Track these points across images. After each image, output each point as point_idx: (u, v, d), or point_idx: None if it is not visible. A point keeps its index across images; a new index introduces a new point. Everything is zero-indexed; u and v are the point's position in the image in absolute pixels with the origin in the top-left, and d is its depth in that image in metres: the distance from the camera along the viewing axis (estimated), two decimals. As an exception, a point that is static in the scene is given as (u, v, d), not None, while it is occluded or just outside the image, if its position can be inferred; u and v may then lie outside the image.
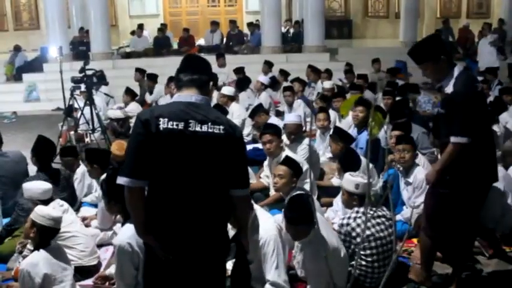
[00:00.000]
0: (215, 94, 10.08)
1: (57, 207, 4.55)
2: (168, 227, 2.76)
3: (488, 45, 13.16)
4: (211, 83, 2.96)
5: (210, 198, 2.78)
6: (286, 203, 4.26)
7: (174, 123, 2.69)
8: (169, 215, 2.75)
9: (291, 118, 6.52)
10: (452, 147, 3.79)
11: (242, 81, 10.68)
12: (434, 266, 4.58)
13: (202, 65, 2.96)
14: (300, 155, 5.86)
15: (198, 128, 2.70)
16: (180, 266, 2.79)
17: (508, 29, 16.89)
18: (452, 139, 3.77)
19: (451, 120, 3.82)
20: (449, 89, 3.86)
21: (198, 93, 2.83)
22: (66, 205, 4.80)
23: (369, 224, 4.08)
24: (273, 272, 3.85)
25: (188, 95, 2.82)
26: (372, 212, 4.16)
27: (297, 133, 6.31)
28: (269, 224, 4.02)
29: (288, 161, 4.95)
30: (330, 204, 5.39)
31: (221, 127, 2.73)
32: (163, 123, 2.68)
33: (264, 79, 10.47)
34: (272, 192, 5.53)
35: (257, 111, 7.85)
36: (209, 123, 2.72)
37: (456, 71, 3.90)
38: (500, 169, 5.18)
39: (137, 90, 11.04)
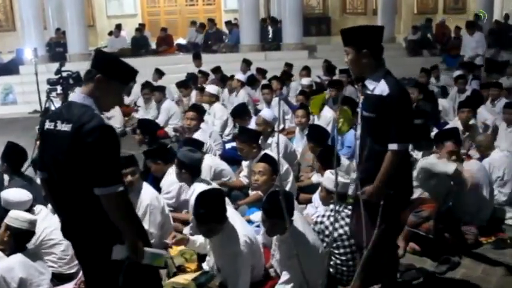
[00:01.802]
0: (193, 94, 10.08)
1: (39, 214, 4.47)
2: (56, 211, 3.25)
3: (473, 41, 13.13)
4: (98, 76, 2.86)
5: (72, 195, 2.91)
6: (265, 197, 4.25)
7: (51, 123, 2.90)
8: (55, 206, 3.22)
9: (262, 113, 6.57)
10: (392, 156, 3.43)
11: (222, 80, 10.74)
12: (412, 259, 4.64)
13: (96, 59, 2.98)
14: (273, 153, 5.85)
15: (60, 127, 2.83)
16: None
17: (483, 24, 17.05)
18: (392, 147, 3.41)
19: (384, 125, 3.44)
20: (382, 91, 3.44)
21: (83, 90, 2.93)
22: (45, 210, 4.64)
23: (342, 222, 4.10)
24: (236, 280, 3.80)
25: (75, 94, 3.04)
26: (346, 211, 4.18)
27: (265, 129, 6.32)
28: (236, 239, 3.92)
29: (267, 158, 4.97)
30: (309, 201, 5.40)
31: (70, 125, 2.78)
32: (46, 124, 2.93)
33: (242, 77, 10.45)
34: (251, 192, 5.53)
35: (242, 113, 7.69)
36: (65, 122, 2.82)
37: (382, 73, 3.51)
38: (476, 162, 5.25)
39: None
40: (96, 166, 2.75)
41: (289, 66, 11.95)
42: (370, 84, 3.53)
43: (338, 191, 4.17)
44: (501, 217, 5.45)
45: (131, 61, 3.09)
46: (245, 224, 4.24)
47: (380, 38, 3.60)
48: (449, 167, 4.90)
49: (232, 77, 10.70)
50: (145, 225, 4.33)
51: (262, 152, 5.48)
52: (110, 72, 2.90)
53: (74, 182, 2.85)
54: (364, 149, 3.59)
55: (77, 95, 2.96)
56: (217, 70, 11.74)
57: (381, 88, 3.45)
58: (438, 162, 4.96)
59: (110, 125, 2.85)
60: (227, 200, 4.59)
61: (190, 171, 4.80)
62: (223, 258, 3.91)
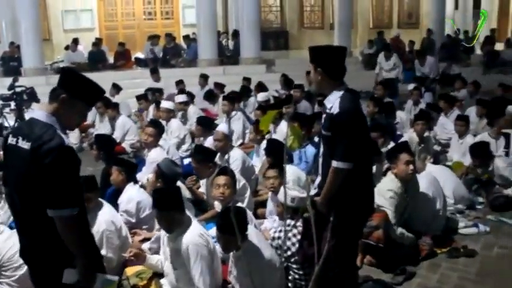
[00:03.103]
0: (151, 109, 10.01)
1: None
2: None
3: (426, 69, 13.33)
4: (63, 96, 2.83)
5: (28, 214, 2.86)
6: (220, 212, 4.25)
7: (13, 139, 2.86)
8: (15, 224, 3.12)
9: (220, 128, 6.56)
10: (334, 174, 3.49)
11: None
12: (369, 271, 4.70)
13: (62, 78, 2.94)
14: (231, 167, 5.87)
15: (20, 144, 2.80)
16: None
17: (435, 38, 17.56)
18: (334, 164, 3.46)
19: (335, 143, 3.51)
20: (334, 109, 3.53)
21: (46, 108, 2.89)
22: (8, 230, 4.47)
23: (299, 236, 4.11)
24: (197, 278, 3.81)
25: (36, 111, 3.02)
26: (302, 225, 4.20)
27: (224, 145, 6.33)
28: (195, 231, 3.97)
29: (227, 171, 4.99)
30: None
31: (29, 143, 2.74)
32: (9, 139, 2.90)
33: (183, 97, 10.15)
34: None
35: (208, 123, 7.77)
36: (25, 139, 2.77)
37: (341, 92, 3.57)
38: (427, 174, 5.37)
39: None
40: (51, 187, 2.70)
41: (247, 80, 12.02)
42: (327, 103, 3.63)
43: (295, 206, 4.20)
44: (454, 227, 5.59)
45: (88, 76, 3.05)
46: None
47: (338, 58, 3.65)
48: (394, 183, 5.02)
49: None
50: (103, 251, 4.31)
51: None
52: (76, 93, 2.86)
53: (29, 201, 2.80)
54: (325, 166, 3.64)
55: (39, 113, 2.88)
56: (180, 83, 11.76)
57: (334, 107, 3.52)
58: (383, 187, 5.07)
59: (70, 146, 2.80)
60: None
61: (165, 183, 4.77)
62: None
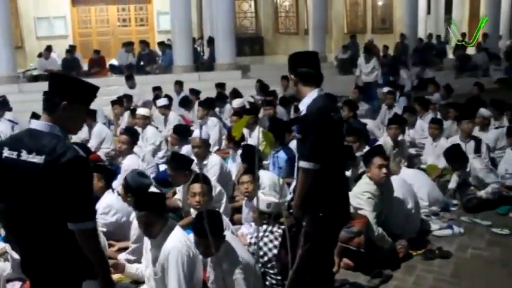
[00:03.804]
0: (126, 115, 9.95)
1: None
2: (17, 245, 2.92)
3: (369, 67, 13.31)
4: (64, 104, 2.72)
5: (39, 229, 2.73)
6: (195, 216, 4.23)
7: (12, 152, 2.71)
8: (15, 235, 2.90)
9: (196, 134, 6.51)
10: (301, 174, 3.53)
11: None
12: (346, 274, 4.72)
13: (55, 85, 2.80)
14: (209, 174, 5.86)
15: (25, 157, 2.66)
16: None
17: (409, 43, 17.78)
18: (301, 164, 3.51)
19: (303, 143, 3.58)
20: (304, 111, 3.62)
21: (47, 118, 2.75)
22: None
23: (276, 242, 4.12)
24: (173, 285, 3.76)
25: (35, 121, 2.77)
26: (279, 231, 4.21)
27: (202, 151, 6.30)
28: (178, 236, 3.94)
29: (203, 178, 4.98)
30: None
31: (43, 156, 2.62)
32: (5, 152, 2.73)
33: (164, 101, 10.15)
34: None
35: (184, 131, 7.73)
36: (34, 153, 2.65)
37: (314, 95, 3.64)
38: (397, 177, 5.43)
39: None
40: (72, 201, 2.64)
41: (221, 86, 11.99)
42: (301, 107, 3.70)
43: (271, 211, 4.21)
44: (428, 229, 5.65)
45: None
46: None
47: (309, 63, 3.70)
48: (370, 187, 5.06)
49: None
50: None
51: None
52: (75, 97, 2.77)
53: (42, 215, 2.69)
54: (299, 169, 3.65)
55: (40, 123, 2.74)
56: (156, 89, 11.71)
57: (304, 110, 3.60)
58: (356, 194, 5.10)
59: (84, 155, 2.72)
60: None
61: (133, 195, 4.73)
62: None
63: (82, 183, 2.68)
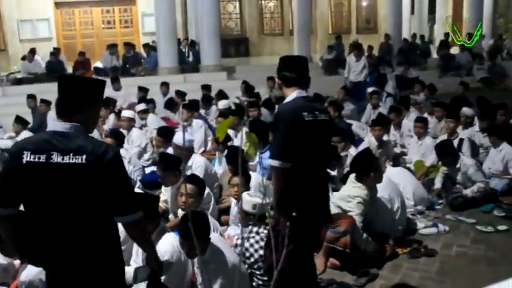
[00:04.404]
0: (111, 118, 9.90)
1: None
2: (45, 253, 2.82)
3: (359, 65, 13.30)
4: (85, 104, 2.76)
5: (80, 227, 2.73)
6: (180, 217, 4.23)
7: (36, 156, 2.66)
8: (44, 242, 2.80)
9: (174, 138, 6.51)
10: (273, 173, 3.54)
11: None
12: (332, 274, 4.74)
13: (72, 87, 2.80)
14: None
15: (59, 159, 2.63)
16: None
17: (393, 43, 17.89)
18: (270, 162, 3.54)
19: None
20: None
21: (67, 120, 2.74)
22: None
23: (262, 243, 4.13)
24: None
25: (57, 123, 2.75)
26: (265, 232, 4.22)
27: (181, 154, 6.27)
28: (168, 241, 3.95)
29: (195, 179, 4.96)
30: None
31: (83, 157, 2.63)
32: (27, 157, 2.67)
33: (142, 106, 10.16)
34: (171, 216, 5.50)
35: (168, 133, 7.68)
36: (71, 154, 2.64)
37: (293, 95, 3.63)
38: (384, 177, 5.46)
39: (29, 117, 10.58)
40: (121, 195, 2.74)
41: (207, 88, 11.99)
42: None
43: (256, 212, 4.22)
44: (414, 227, 5.69)
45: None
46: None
47: (296, 67, 3.71)
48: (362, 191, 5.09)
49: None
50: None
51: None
52: (93, 97, 2.82)
53: (83, 215, 2.70)
54: None
55: (62, 125, 2.72)
56: (142, 89, 11.68)
57: None
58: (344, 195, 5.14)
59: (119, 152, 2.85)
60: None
61: None
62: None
63: (125, 177, 2.84)
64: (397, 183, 5.81)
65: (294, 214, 3.45)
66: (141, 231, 2.92)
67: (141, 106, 9.92)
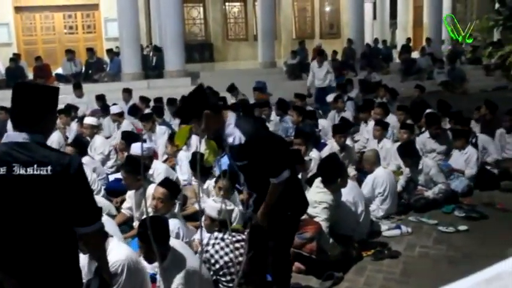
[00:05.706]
0: (74, 125, 9.75)
1: None
2: (3, 263, 2.70)
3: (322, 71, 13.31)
4: (46, 112, 2.69)
5: (40, 238, 2.65)
6: (139, 222, 4.20)
7: None
8: (2, 253, 2.68)
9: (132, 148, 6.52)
10: (275, 187, 3.66)
11: (104, 108, 10.50)
12: (298, 278, 4.76)
13: (31, 96, 2.68)
14: (156, 181, 5.81)
15: (22, 171, 2.56)
16: None
17: (356, 48, 18.13)
18: (275, 181, 3.63)
19: (260, 165, 3.65)
20: (235, 139, 3.60)
21: (26, 130, 2.64)
22: None
23: (227, 249, 4.12)
24: None
25: (15, 134, 2.65)
26: (230, 238, 4.21)
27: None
28: (121, 250, 3.87)
29: (167, 183, 4.94)
30: (196, 228, 5.38)
31: (48, 168, 2.56)
32: None
33: (117, 108, 10.06)
34: (136, 223, 5.43)
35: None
36: (35, 165, 2.56)
37: (231, 119, 3.65)
38: (349, 181, 5.52)
39: (-12, 125, 10.31)
40: (84, 205, 2.69)
41: (159, 101, 11.56)
42: (228, 138, 3.63)
43: (222, 218, 4.21)
44: (378, 230, 5.77)
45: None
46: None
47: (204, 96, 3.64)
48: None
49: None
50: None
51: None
52: (52, 105, 2.76)
53: (44, 226, 2.62)
54: (255, 187, 3.85)
55: (21, 135, 2.62)
56: (100, 98, 11.48)
57: (236, 137, 3.59)
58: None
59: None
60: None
61: None
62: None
63: (89, 187, 2.78)
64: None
65: (289, 213, 3.79)
66: (100, 241, 2.92)
67: (116, 109, 9.75)
